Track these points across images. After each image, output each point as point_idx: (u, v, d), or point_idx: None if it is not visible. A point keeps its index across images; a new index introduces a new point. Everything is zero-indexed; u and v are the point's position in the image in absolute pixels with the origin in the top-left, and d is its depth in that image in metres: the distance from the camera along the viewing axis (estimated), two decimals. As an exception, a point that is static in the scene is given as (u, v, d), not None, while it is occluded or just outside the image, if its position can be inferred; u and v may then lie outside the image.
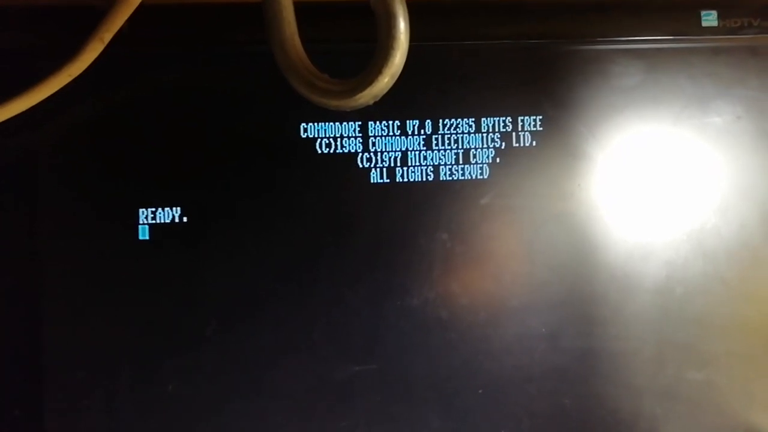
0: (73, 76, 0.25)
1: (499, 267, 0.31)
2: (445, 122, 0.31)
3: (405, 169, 0.31)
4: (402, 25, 0.19)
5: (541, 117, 0.31)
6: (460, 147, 0.31)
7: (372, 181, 0.30)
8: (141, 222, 0.29)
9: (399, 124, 0.31)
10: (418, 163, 0.31)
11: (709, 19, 0.31)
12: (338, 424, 0.30)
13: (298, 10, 0.24)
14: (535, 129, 0.31)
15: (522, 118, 0.31)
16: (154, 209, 0.29)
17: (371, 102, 0.21)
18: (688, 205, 0.32)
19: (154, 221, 0.29)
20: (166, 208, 0.29)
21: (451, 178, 0.31)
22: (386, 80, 0.20)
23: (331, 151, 0.30)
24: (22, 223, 0.28)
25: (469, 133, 0.31)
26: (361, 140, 0.30)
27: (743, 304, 0.32)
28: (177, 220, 0.29)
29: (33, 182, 0.29)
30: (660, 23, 0.31)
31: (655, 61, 0.32)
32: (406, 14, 0.20)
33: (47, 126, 0.28)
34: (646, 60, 0.32)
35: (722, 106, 0.32)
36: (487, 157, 0.31)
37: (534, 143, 0.31)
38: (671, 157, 0.32)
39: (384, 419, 0.30)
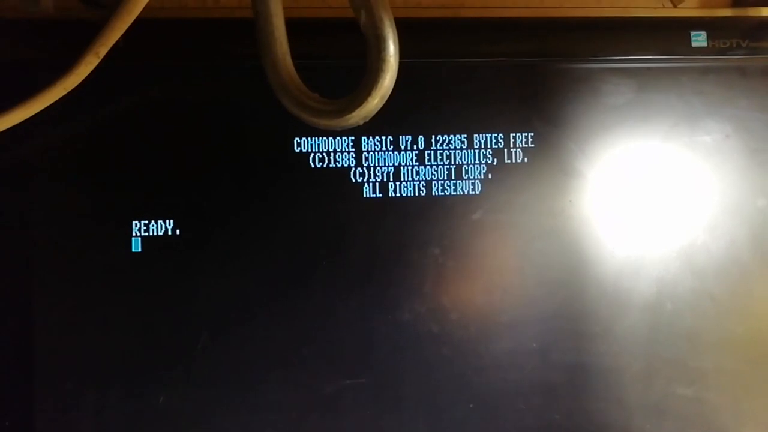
0: (68, 89, 0.25)
1: (491, 282, 0.31)
2: (437, 138, 0.31)
3: (398, 184, 0.31)
4: (392, 48, 0.20)
5: (532, 134, 0.31)
6: (452, 163, 0.31)
7: (365, 195, 0.30)
8: (134, 234, 0.29)
9: (392, 139, 0.31)
10: (410, 179, 0.31)
11: (699, 39, 0.32)
12: (328, 437, 0.30)
13: (289, 25, 0.24)
14: (526, 146, 0.31)
15: (514, 134, 0.31)
16: (147, 221, 0.29)
17: (361, 122, 0.21)
18: (678, 222, 0.32)
19: (147, 233, 0.29)
20: (159, 221, 0.29)
21: (443, 194, 0.31)
22: (376, 101, 0.20)
23: (324, 166, 0.30)
24: (16, 235, 0.29)
25: (461, 149, 0.31)
26: (354, 155, 0.31)
27: (732, 320, 0.32)
28: (170, 232, 0.29)
29: (27, 194, 0.29)
30: (650, 43, 0.32)
31: (646, 80, 0.32)
32: (396, 37, 0.20)
33: (42, 138, 0.29)
34: (636, 79, 0.32)
35: (711, 125, 0.32)
36: (479, 173, 0.31)
37: (526, 160, 0.31)
38: (661, 174, 0.32)
39: (374, 433, 0.30)
